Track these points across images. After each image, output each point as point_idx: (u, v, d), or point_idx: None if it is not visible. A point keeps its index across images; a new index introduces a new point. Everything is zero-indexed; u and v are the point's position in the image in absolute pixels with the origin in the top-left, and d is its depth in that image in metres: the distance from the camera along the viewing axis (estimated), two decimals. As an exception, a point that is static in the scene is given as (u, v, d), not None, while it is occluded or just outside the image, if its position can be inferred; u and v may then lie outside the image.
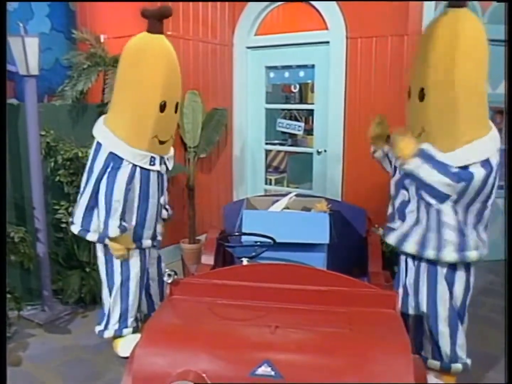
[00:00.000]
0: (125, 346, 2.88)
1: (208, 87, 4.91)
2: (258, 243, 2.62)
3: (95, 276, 3.74)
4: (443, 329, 2.59)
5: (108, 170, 2.68)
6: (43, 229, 3.52)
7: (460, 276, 2.57)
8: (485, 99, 2.40)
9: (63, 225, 3.80)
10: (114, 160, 2.68)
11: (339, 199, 4.46)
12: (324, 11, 4.63)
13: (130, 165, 2.68)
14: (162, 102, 2.64)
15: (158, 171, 2.82)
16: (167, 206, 3.15)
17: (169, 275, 2.13)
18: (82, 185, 2.86)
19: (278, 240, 2.64)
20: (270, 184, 5.72)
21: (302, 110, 5.68)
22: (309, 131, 5.17)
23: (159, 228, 3.07)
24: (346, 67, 4.55)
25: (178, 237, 4.71)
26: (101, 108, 4.02)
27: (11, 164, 3.54)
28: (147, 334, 1.95)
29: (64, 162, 3.67)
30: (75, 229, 2.89)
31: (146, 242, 2.96)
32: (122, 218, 2.72)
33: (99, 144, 2.76)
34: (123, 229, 2.72)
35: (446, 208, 2.40)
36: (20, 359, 3.01)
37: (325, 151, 4.84)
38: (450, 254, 2.45)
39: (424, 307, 2.61)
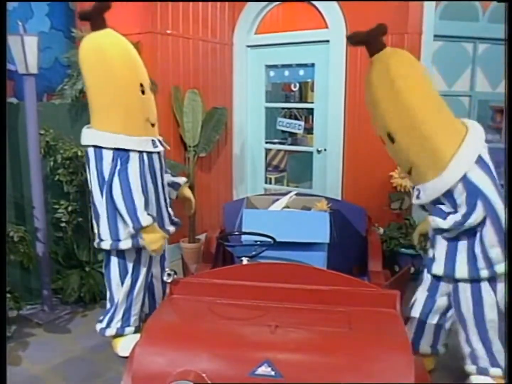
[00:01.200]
0: (125, 345, 2.87)
1: (208, 86, 4.90)
2: (258, 242, 2.61)
3: (94, 275, 3.75)
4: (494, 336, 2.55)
5: (118, 168, 2.64)
6: (43, 228, 3.51)
7: (502, 286, 2.53)
8: (446, 111, 2.51)
9: (63, 224, 3.80)
10: (121, 155, 2.66)
11: (339, 198, 4.46)
12: (324, 10, 4.63)
13: (137, 154, 2.68)
14: (140, 84, 2.72)
15: (158, 153, 2.86)
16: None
17: (168, 274, 2.12)
18: (96, 198, 2.79)
19: (278, 239, 2.63)
20: (270, 183, 5.72)
21: (302, 109, 5.68)
22: (309, 130, 5.17)
23: (172, 210, 3.07)
24: (346, 65, 4.55)
25: (178, 236, 4.70)
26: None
27: (11, 163, 3.54)
28: (147, 333, 1.94)
29: (63, 161, 3.66)
30: (106, 245, 2.81)
31: (171, 228, 3.01)
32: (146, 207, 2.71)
33: (97, 149, 2.71)
34: (153, 217, 2.71)
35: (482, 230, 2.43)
36: (20, 358, 3.01)
37: (325, 150, 4.83)
38: (501, 269, 2.44)
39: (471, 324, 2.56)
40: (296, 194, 3.21)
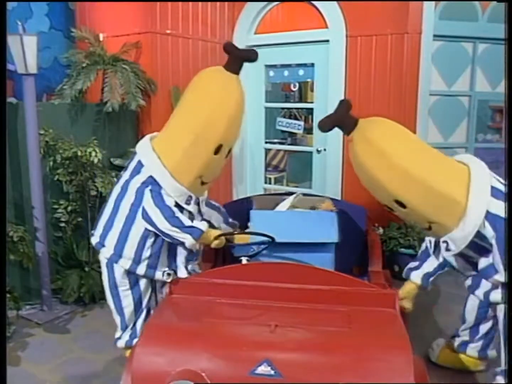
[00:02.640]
0: None
1: (207, 86, 4.89)
2: (261, 243, 2.60)
3: (94, 275, 3.74)
4: None
5: (148, 188, 2.54)
6: (42, 228, 3.51)
7: None
8: (442, 158, 2.42)
9: (62, 224, 3.80)
10: (153, 185, 2.53)
11: (339, 198, 4.45)
12: (324, 10, 4.62)
13: (173, 200, 2.55)
14: (218, 145, 2.49)
15: (189, 212, 2.62)
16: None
17: (168, 274, 2.13)
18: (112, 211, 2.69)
19: (286, 240, 2.61)
20: (270, 183, 5.72)
21: (302, 109, 5.68)
22: (308, 130, 5.17)
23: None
24: (346, 65, 4.54)
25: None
26: (100, 107, 4.02)
27: (10, 163, 3.53)
28: (146, 333, 1.95)
29: (63, 161, 3.66)
30: (126, 263, 2.66)
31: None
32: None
33: (140, 164, 2.61)
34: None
35: None
36: (19, 359, 3.00)
37: (324, 150, 4.83)
38: None
39: None
40: (299, 195, 3.21)
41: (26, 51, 3.22)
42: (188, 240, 2.50)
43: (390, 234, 4.27)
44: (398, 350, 1.80)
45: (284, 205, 3.03)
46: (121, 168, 4.10)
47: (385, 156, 2.25)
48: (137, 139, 4.48)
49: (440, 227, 2.35)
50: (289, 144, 5.84)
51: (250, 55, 2.61)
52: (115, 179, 3.87)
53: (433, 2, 4.25)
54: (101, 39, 4.31)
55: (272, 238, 2.59)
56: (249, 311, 2.07)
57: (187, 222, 2.52)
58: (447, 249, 2.40)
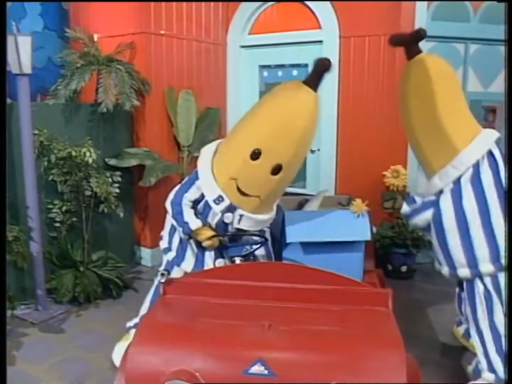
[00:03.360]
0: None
1: (201, 86, 4.91)
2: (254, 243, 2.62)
3: (88, 275, 3.75)
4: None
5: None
6: (37, 228, 3.51)
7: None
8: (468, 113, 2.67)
9: (57, 224, 3.81)
10: (194, 176, 2.60)
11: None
12: (317, 10, 4.65)
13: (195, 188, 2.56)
14: (255, 150, 2.35)
15: (220, 214, 2.52)
16: None
17: (162, 274, 2.13)
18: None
19: (318, 240, 2.65)
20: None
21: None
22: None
23: None
24: (339, 66, 4.57)
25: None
26: (95, 108, 4.03)
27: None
28: (140, 333, 1.96)
29: (57, 161, 3.67)
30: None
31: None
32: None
33: (196, 175, 2.58)
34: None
35: None
36: (14, 358, 3.01)
37: (318, 150, 4.86)
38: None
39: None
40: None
41: (20, 51, 3.23)
42: (181, 232, 2.59)
43: (383, 233, 4.30)
44: (391, 349, 1.82)
45: (314, 205, 3.03)
46: (115, 168, 4.13)
47: (430, 88, 2.49)
48: (131, 139, 4.51)
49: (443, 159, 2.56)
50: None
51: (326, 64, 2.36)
52: (109, 179, 3.89)
53: (425, 3, 4.28)
54: (95, 39, 4.31)
55: (266, 239, 2.61)
56: (242, 311, 2.08)
57: (186, 215, 2.53)
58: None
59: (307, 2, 4.68)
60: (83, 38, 4.26)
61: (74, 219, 3.88)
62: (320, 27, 4.66)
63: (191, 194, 2.56)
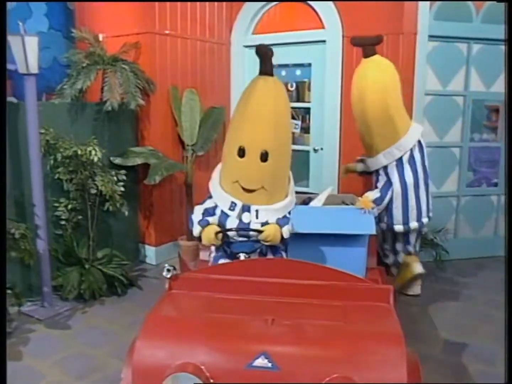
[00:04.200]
0: None
1: (205, 86, 4.95)
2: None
3: (94, 272, 3.79)
4: None
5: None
6: (43, 226, 3.55)
7: None
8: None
9: (63, 222, 3.85)
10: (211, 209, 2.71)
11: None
12: (320, 10, 4.67)
13: (213, 202, 2.69)
14: (240, 147, 2.51)
15: (240, 220, 2.62)
16: None
17: (168, 270, 2.17)
18: None
19: (322, 231, 2.70)
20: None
21: (299, 108, 5.72)
22: (306, 129, 5.21)
23: None
24: (342, 65, 4.60)
25: (176, 234, 4.76)
26: (100, 107, 4.07)
27: (11, 161, 3.58)
28: (146, 327, 1.99)
29: (63, 160, 3.71)
30: None
31: None
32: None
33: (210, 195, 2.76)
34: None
35: None
36: (21, 354, 3.05)
37: (321, 149, 4.88)
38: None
39: None
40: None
41: (27, 51, 3.26)
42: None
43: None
44: (392, 344, 1.85)
45: (318, 202, 3.06)
46: (120, 167, 4.17)
47: (385, 84, 3.35)
48: (136, 138, 4.55)
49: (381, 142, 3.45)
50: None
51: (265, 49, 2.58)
52: (114, 178, 3.93)
53: (428, 3, 4.30)
54: (100, 39, 4.35)
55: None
56: (247, 306, 2.11)
57: (195, 219, 2.62)
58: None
59: (310, 2, 4.71)
60: (88, 38, 4.30)
61: (80, 217, 3.92)
62: (323, 27, 4.68)
63: (206, 204, 2.72)
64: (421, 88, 4.43)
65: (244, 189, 2.58)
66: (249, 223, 2.62)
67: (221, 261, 2.66)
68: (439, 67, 4.47)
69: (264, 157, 2.52)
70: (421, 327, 3.42)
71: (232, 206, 2.61)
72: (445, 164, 4.69)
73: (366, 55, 3.30)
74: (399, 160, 3.40)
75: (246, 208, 2.61)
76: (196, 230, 2.62)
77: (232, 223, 2.63)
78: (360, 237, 2.78)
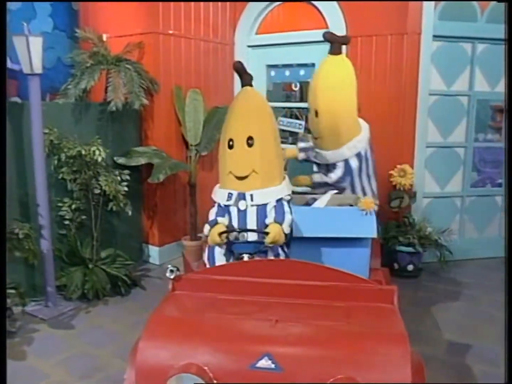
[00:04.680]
0: None
1: (209, 86, 4.95)
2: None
3: (97, 272, 3.80)
4: None
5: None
6: (47, 226, 3.56)
7: None
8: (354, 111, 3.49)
9: (66, 222, 3.86)
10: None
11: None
12: (324, 10, 4.66)
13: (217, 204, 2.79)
14: (229, 140, 2.71)
15: (237, 209, 2.69)
16: None
17: (171, 270, 2.17)
18: None
19: (323, 235, 2.72)
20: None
21: (303, 108, 5.71)
22: (309, 130, 5.19)
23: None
24: (346, 66, 4.58)
25: (179, 234, 4.76)
26: (104, 107, 4.07)
27: (16, 161, 3.59)
28: (150, 328, 1.99)
29: (67, 160, 3.71)
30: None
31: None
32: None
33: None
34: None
35: None
36: (25, 353, 3.06)
37: (325, 149, 4.87)
38: None
39: None
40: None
41: (31, 52, 3.26)
42: None
43: (389, 232, 4.31)
44: (396, 344, 1.84)
45: (321, 202, 3.07)
46: (124, 167, 4.17)
47: (344, 82, 3.45)
48: (140, 138, 4.56)
49: (322, 142, 3.55)
50: (290, 144, 5.86)
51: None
52: (118, 178, 3.94)
53: (433, 3, 4.28)
54: (104, 39, 4.36)
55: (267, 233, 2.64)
56: (250, 306, 2.11)
57: (209, 219, 2.74)
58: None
59: (314, 2, 4.70)
60: (92, 38, 4.31)
61: (83, 217, 3.93)
62: (327, 27, 4.66)
63: (213, 210, 2.81)
64: (425, 88, 4.41)
65: (237, 177, 2.70)
66: (245, 210, 2.68)
67: (216, 255, 2.70)
68: (444, 67, 4.46)
69: (250, 142, 2.67)
70: (424, 327, 3.41)
71: (229, 196, 2.70)
72: (449, 164, 4.68)
73: (332, 52, 3.44)
74: (359, 153, 3.54)
75: (241, 196, 2.69)
76: (205, 229, 2.73)
77: (233, 215, 2.69)
78: (363, 238, 2.79)
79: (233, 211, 2.70)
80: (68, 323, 3.47)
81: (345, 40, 3.63)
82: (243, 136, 2.69)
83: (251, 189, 2.70)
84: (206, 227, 2.72)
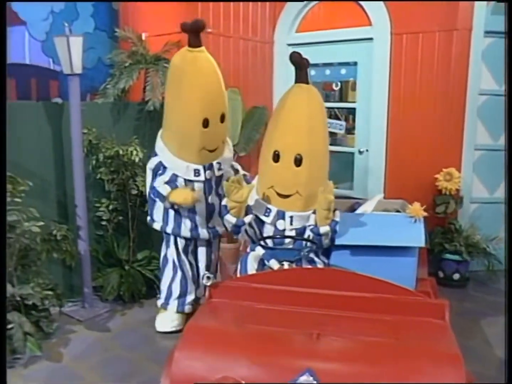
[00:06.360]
0: (160, 319, 3.32)
1: (248, 85, 4.86)
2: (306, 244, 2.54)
3: (133, 274, 3.77)
4: None
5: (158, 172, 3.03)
6: (85, 227, 3.55)
7: None
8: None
9: (104, 223, 3.85)
10: (162, 168, 3.01)
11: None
12: (367, 7, 4.50)
13: (171, 173, 2.90)
14: (204, 119, 2.65)
15: (204, 181, 2.93)
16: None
17: (208, 277, 2.09)
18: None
19: (370, 243, 2.57)
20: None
21: (343, 108, 5.57)
22: (349, 130, 5.05)
23: (216, 223, 3.33)
24: (390, 64, 4.42)
25: (216, 236, 4.69)
26: (142, 106, 4.05)
27: (54, 162, 3.60)
28: (186, 337, 1.92)
29: (105, 160, 3.70)
30: (157, 226, 3.29)
31: (203, 232, 3.27)
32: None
33: (155, 152, 3.08)
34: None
35: None
36: (61, 355, 3.05)
37: (367, 150, 4.72)
38: None
39: None
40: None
41: (72, 52, 3.26)
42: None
43: (435, 239, 4.12)
44: (449, 365, 1.71)
45: (368, 207, 2.94)
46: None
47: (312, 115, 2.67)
48: (178, 138, 4.52)
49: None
50: (329, 144, 5.72)
51: (197, 25, 2.80)
52: (155, 179, 3.90)
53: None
54: (143, 38, 4.34)
55: (315, 243, 2.52)
56: (290, 318, 2.01)
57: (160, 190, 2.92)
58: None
59: (357, -1, 4.55)
60: (131, 37, 4.29)
61: (121, 217, 3.91)
62: (370, 24, 4.51)
63: (162, 178, 2.98)
64: (475, 87, 4.20)
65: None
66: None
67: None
68: (495, 64, 4.20)
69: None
70: (474, 342, 3.21)
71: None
72: (499, 168, 4.43)
73: (303, 81, 2.77)
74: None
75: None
76: (160, 199, 3.00)
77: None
78: (411, 248, 2.62)
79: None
80: (104, 325, 3.45)
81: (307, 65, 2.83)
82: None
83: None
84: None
